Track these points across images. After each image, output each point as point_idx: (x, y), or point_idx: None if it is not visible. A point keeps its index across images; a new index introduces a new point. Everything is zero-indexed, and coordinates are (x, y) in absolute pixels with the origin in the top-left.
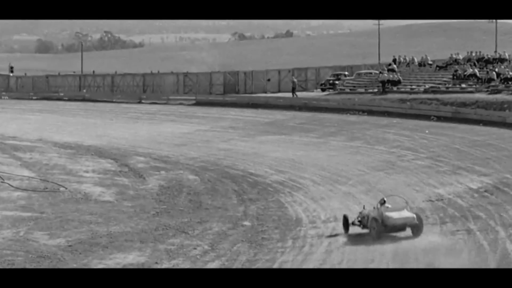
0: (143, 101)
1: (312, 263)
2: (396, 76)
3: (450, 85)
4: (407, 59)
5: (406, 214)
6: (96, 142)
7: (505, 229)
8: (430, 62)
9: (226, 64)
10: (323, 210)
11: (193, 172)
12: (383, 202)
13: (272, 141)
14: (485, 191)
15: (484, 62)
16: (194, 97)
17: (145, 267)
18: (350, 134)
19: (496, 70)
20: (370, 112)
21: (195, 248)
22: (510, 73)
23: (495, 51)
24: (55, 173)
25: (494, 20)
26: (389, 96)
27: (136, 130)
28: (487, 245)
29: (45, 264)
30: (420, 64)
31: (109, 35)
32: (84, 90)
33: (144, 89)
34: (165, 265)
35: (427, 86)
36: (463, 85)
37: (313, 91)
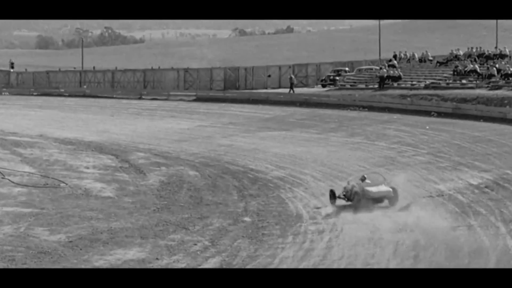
0: (143, 97)
1: (312, 259)
2: (396, 72)
3: (450, 81)
4: (408, 55)
5: (383, 188)
6: (96, 138)
7: (505, 225)
8: (430, 58)
9: (227, 60)
10: (324, 206)
11: (194, 168)
12: (364, 179)
13: (272, 137)
14: (486, 187)
15: (484, 58)
16: (194, 93)
17: (146, 263)
18: (350, 130)
19: (497, 66)
20: (371, 108)
21: (195, 244)
22: (511, 69)
23: (496, 47)
24: (55, 169)
25: None
26: (390, 92)
27: (137, 126)
28: (487, 241)
29: (45, 260)
30: (420, 60)
31: (110, 31)
32: (85, 86)
33: (145, 85)
34: (166, 260)
35: (427, 82)
36: (464, 81)
37: (313, 87)
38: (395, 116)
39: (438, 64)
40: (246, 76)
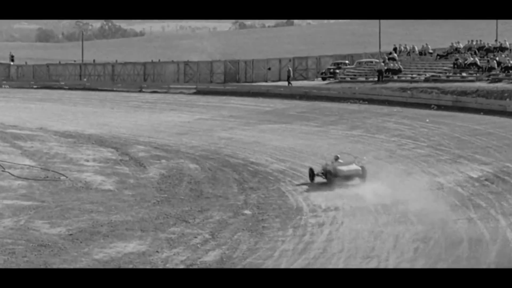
0: (143, 90)
1: (313, 252)
2: (396, 65)
3: (450, 74)
4: (408, 48)
5: (353, 167)
6: (96, 131)
7: (505, 218)
8: (430, 51)
9: (227, 53)
10: (324, 199)
11: (194, 161)
12: (337, 158)
13: (272, 130)
14: (486, 179)
15: (484, 51)
16: (194, 86)
17: (146, 255)
18: (350, 123)
19: (497, 59)
20: (371, 101)
21: (195, 237)
22: (511, 62)
23: (496, 40)
24: (55, 162)
25: None
26: (390, 85)
27: (137, 119)
28: (487, 234)
29: (45, 253)
30: (420, 53)
31: (110, 24)
32: (85, 79)
33: (145, 78)
34: (166, 253)
35: (427, 75)
36: (464, 74)
37: (313, 80)
38: (395, 109)
39: (438, 57)
40: (246, 69)
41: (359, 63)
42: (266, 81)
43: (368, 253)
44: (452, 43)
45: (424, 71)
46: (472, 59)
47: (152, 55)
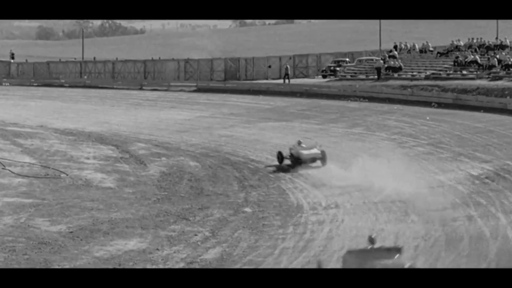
0: (144, 87)
1: (313, 250)
2: (397, 62)
3: (451, 72)
4: (408, 45)
5: (314, 151)
6: (97, 129)
7: (506, 216)
8: (431, 49)
9: (227, 51)
10: (324, 196)
11: (194, 159)
12: (299, 143)
13: (273, 127)
14: (486, 177)
15: (485, 48)
16: (195, 84)
17: (146, 253)
18: (351, 121)
19: (497, 56)
20: (371, 99)
21: (196, 235)
22: (511, 60)
23: (497, 38)
24: (56, 159)
25: None
26: (390, 82)
27: (137, 117)
28: (487, 232)
29: (46, 251)
30: (421, 51)
31: (110, 22)
32: (85, 77)
33: (145, 76)
34: (166, 251)
35: (428, 73)
36: (464, 72)
37: (314, 78)
38: (396, 106)
39: (438, 54)
40: (247, 66)
41: (360, 61)
42: (266, 79)
43: None
44: (452, 41)
45: (425, 69)
46: (472, 57)
47: (153, 53)
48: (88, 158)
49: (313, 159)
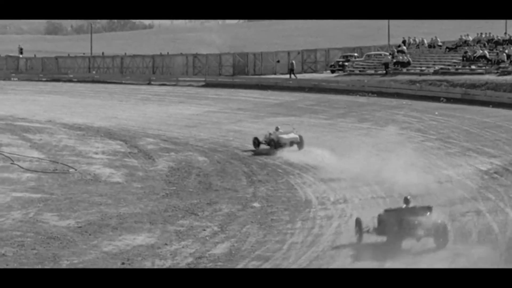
0: (152, 82)
1: (321, 245)
2: (406, 57)
3: (459, 67)
4: (417, 40)
5: (292, 135)
6: (105, 124)
7: None
8: (440, 44)
9: (236, 46)
10: (333, 191)
11: (203, 154)
12: (277, 128)
13: (281, 122)
14: (495, 172)
15: (494, 43)
16: (203, 79)
17: (155, 248)
18: (359, 116)
19: (506, 51)
20: (380, 94)
21: (204, 230)
22: None
23: (505, 33)
24: (64, 154)
25: None
26: (399, 77)
27: (146, 112)
28: (496, 227)
29: (54, 245)
30: (429, 46)
31: None
32: (94, 72)
33: (154, 71)
34: (175, 246)
35: (436, 68)
36: (473, 67)
37: (322, 73)
38: (404, 101)
39: (447, 49)
40: (255, 61)
41: (368, 55)
42: (275, 74)
43: (376, 247)
44: (461, 36)
45: (433, 64)
46: (481, 51)
47: (161, 48)
48: (96, 153)
49: (292, 143)
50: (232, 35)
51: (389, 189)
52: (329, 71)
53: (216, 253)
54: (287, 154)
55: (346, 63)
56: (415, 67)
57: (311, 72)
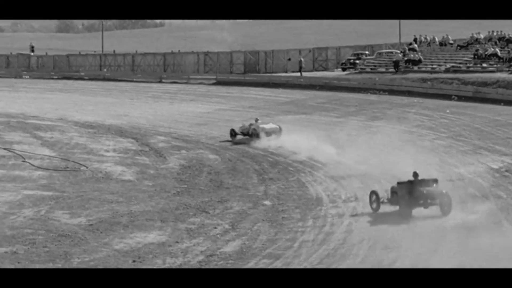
0: (163, 80)
1: (332, 243)
2: (417, 55)
3: (471, 65)
4: (428, 38)
5: (272, 125)
6: (116, 122)
7: None
8: (451, 42)
9: (247, 44)
10: (344, 189)
11: (214, 152)
12: (256, 120)
13: (292, 120)
14: (506, 170)
15: (505, 41)
16: (214, 77)
17: (166, 246)
18: (370, 114)
19: None
20: (391, 92)
21: (215, 227)
22: None
23: None
24: (76, 152)
25: None
26: (410, 75)
27: (157, 110)
28: (508, 225)
29: (66, 243)
30: (441, 44)
31: None
32: (105, 70)
33: (165, 69)
34: (186, 244)
35: (448, 66)
36: (484, 65)
37: (333, 71)
38: (416, 99)
39: (458, 47)
40: (266, 59)
41: (379, 53)
42: (286, 72)
43: (388, 244)
44: (472, 34)
45: (445, 62)
46: (492, 49)
47: (172, 46)
48: (107, 151)
49: (272, 132)
50: (243, 33)
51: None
52: (340, 69)
53: (227, 251)
54: (298, 151)
55: (357, 61)
56: (426, 65)
57: (322, 70)
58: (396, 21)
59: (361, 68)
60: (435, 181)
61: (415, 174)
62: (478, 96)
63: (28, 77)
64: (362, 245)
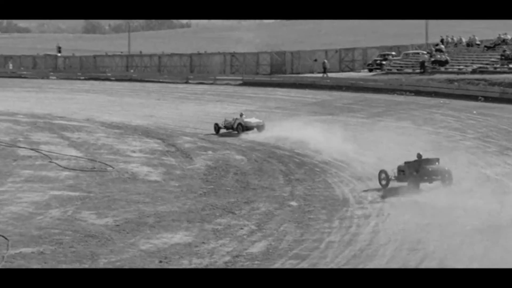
0: (190, 81)
1: (359, 244)
2: (443, 56)
3: (498, 66)
4: (455, 39)
5: (256, 120)
6: (143, 122)
7: None
8: (478, 42)
9: (273, 44)
10: (370, 190)
11: (240, 152)
12: (242, 114)
13: (319, 121)
14: None
15: None
16: (241, 77)
17: (192, 246)
18: (397, 115)
19: None
20: (417, 93)
21: (242, 228)
22: None
23: None
24: (102, 152)
25: None
26: (437, 76)
27: (183, 110)
28: None
29: (92, 244)
30: (468, 44)
31: None
32: (131, 70)
33: (191, 69)
34: (212, 244)
35: (474, 67)
36: (511, 66)
37: (360, 72)
38: (442, 100)
39: (485, 48)
40: (293, 60)
41: (406, 54)
42: (312, 73)
43: (415, 245)
44: (499, 35)
45: (471, 63)
46: None
47: (199, 47)
48: (134, 152)
49: (255, 127)
50: (269, 34)
51: (426, 188)
52: (366, 70)
53: (254, 252)
54: (323, 151)
55: (384, 62)
56: (453, 66)
57: (349, 71)
58: (422, 22)
59: (388, 69)
60: (437, 159)
61: (419, 155)
62: (505, 97)
63: (55, 77)
64: (388, 246)
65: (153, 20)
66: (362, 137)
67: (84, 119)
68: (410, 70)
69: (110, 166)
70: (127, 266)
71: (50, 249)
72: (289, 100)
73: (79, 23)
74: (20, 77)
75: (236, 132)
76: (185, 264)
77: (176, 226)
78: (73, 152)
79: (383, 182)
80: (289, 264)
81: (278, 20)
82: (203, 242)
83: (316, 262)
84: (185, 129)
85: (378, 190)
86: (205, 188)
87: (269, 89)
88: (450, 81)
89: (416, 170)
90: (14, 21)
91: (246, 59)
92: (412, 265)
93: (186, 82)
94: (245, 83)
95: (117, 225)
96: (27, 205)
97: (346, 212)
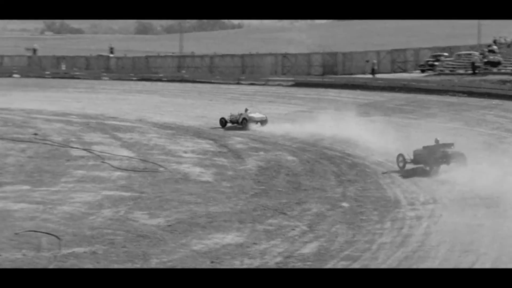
0: (241, 82)
1: (410, 246)
2: (496, 57)
3: None
4: (508, 40)
5: (260, 115)
6: (195, 123)
7: None
8: None
9: (325, 45)
10: (422, 191)
11: (292, 153)
12: (247, 110)
13: (370, 122)
14: None
15: None
16: (292, 78)
17: (244, 247)
18: (449, 116)
19: None
20: (470, 94)
21: (293, 229)
22: None
23: None
24: (154, 153)
25: None
26: (489, 77)
27: (235, 111)
28: None
29: (144, 244)
30: None
31: None
32: (183, 71)
33: (243, 70)
34: (264, 245)
35: None
36: None
37: (412, 72)
38: (495, 101)
39: None
40: (344, 61)
41: (458, 55)
42: (364, 73)
43: (467, 247)
44: None
45: None
46: None
47: (250, 47)
48: (186, 152)
49: (259, 121)
50: (321, 35)
51: (480, 190)
52: (418, 71)
53: (305, 253)
54: (376, 152)
55: (436, 63)
56: (506, 66)
57: (401, 72)
58: (475, 22)
59: (440, 70)
60: (452, 144)
61: (437, 141)
62: None
63: (107, 78)
64: (440, 247)
65: (205, 21)
66: (414, 138)
67: (136, 119)
68: (462, 71)
69: (162, 166)
70: (178, 266)
71: (102, 249)
72: (341, 101)
73: (131, 24)
74: (73, 77)
75: (240, 126)
76: (236, 264)
77: (227, 227)
78: (125, 152)
79: (401, 164)
80: (340, 265)
81: (330, 21)
82: (255, 243)
83: (367, 264)
84: (237, 130)
85: (429, 191)
86: (256, 188)
87: (321, 90)
88: (503, 82)
89: (434, 153)
90: (67, 22)
91: (298, 60)
92: (464, 266)
93: (238, 83)
94: (297, 84)
95: (169, 226)
96: (79, 205)
97: (398, 214)
